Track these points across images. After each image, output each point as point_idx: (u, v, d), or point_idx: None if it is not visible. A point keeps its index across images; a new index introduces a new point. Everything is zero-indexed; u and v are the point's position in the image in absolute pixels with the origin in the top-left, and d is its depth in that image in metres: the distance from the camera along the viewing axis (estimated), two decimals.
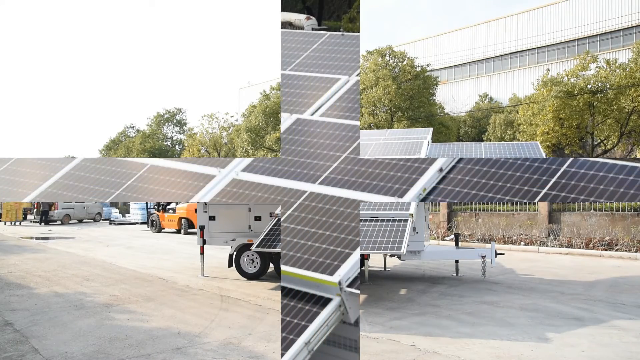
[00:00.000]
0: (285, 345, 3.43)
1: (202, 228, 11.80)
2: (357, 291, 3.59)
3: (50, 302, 8.87)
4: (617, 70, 20.58)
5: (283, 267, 3.80)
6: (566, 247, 16.65)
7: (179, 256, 15.75)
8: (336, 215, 4.01)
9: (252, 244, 10.85)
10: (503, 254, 11.89)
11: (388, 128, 25.48)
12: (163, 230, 26.98)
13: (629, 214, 16.58)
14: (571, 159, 3.94)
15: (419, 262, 13.50)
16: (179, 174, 4.77)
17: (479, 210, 20.30)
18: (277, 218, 10.12)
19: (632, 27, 31.70)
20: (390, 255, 10.86)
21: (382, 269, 12.58)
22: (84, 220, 36.36)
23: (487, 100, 36.98)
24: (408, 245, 8.70)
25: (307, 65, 6.00)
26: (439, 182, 4.08)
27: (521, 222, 18.84)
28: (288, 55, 6.27)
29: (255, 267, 11.24)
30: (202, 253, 11.86)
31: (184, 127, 56.92)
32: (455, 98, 37.16)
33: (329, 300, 3.60)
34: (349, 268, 3.61)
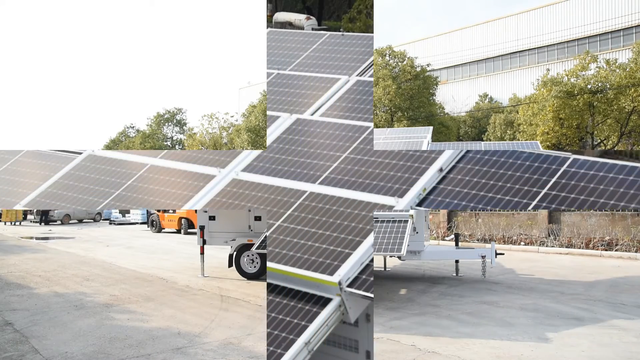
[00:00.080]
0: (285, 345, 3.43)
1: (202, 228, 11.81)
2: (359, 291, 3.57)
3: (50, 302, 8.87)
4: (617, 70, 20.58)
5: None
6: (566, 247, 16.65)
7: (179, 256, 15.75)
8: (336, 215, 4.01)
9: (252, 244, 10.86)
10: (503, 254, 11.89)
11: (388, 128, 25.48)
12: (163, 230, 26.99)
13: (629, 214, 16.57)
14: (571, 158, 3.95)
15: (419, 262, 13.49)
16: (179, 174, 4.77)
17: (479, 210, 20.30)
18: None
19: (632, 27, 31.67)
20: (390, 256, 10.86)
21: (382, 269, 12.59)
22: (84, 220, 36.38)
23: (487, 100, 36.95)
24: (408, 245, 8.71)
25: (307, 65, 6.00)
26: (439, 182, 4.09)
27: (521, 222, 18.85)
28: (287, 55, 6.28)
29: (255, 267, 11.25)
30: (202, 253, 11.86)
31: (184, 127, 56.92)
32: (455, 98, 37.13)
33: (329, 300, 3.60)
34: (349, 268, 3.61)
